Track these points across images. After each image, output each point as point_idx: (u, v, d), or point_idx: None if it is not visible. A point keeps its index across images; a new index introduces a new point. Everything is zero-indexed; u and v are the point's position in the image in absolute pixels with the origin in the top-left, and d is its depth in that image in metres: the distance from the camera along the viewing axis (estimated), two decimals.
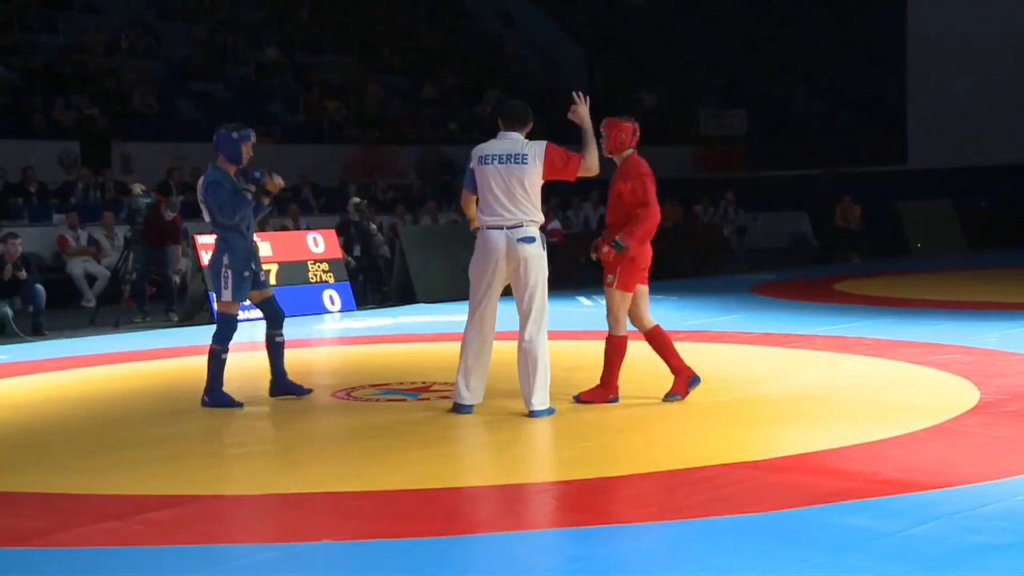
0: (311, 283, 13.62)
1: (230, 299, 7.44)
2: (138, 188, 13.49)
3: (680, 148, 27.82)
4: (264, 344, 7.75)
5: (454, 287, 13.22)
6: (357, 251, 15.18)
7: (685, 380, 7.38)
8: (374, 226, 15.66)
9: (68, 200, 17.16)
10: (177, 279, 13.70)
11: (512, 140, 6.95)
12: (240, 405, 7.49)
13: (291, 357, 7.96)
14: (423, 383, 8.23)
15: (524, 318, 6.86)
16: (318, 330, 12.32)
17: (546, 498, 5.36)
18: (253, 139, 7.56)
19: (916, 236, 21.39)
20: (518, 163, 6.84)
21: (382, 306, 14.33)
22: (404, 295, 14.50)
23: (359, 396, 7.82)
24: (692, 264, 18.50)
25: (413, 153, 23.16)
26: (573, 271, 17.39)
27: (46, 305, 12.11)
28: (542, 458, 6.21)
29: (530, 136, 7.18)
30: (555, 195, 19.67)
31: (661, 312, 12.34)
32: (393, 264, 15.06)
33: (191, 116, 21.32)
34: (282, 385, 7.69)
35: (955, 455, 5.85)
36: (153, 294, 13.78)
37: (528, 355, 6.82)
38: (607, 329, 7.40)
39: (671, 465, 5.75)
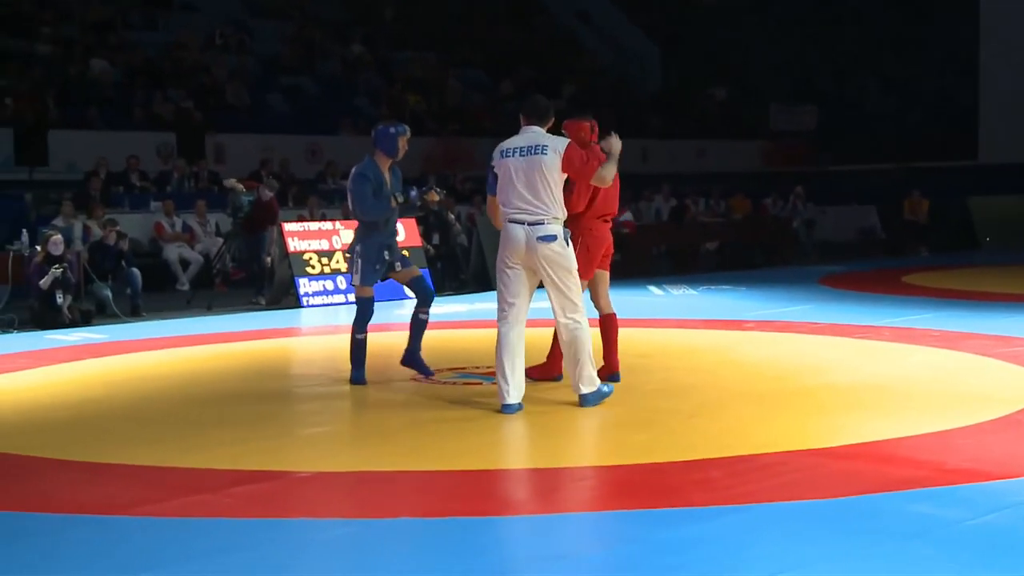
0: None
1: (358, 283, 7.81)
2: (237, 185, 13.87)
3: (750, 143, 28.00)
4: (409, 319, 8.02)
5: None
6: (436, 239, 15.56)
7: (607, 373, 7.47)
8: (452, 215, 16.19)
9: (165, 189, 17.67)
10: (269, 261, 13.97)
11: (534, 133, 6.79)
12: (364, 383, 7.77)
13: (374, 341, 7.95)
14: (463, 367, 8.38)
15: (560, 309, 6.74)
16: (398, 315, 12.58)
17: (613, 481, 5.38)
18: (408, 134, 7.84)
19: (985, 230, 21.43)
20: (539, 154, 6.63)
21: (459, 293, 14.68)
22: (480, 282, 14.84)
23: (437, 379, 7.93)
24: (761, 256, 18.87)
25: (490, 145, 23.70)
26: (645, 261, 17.88)
27: (143, 288, 12.62)
28: (612, 442, 6.12)
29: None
30: (627, 188, 20.15)
31: (731, 302, 12.83)
32: (470, 252, 15.49)
33: (280, 109, 21.87)
34: (412, 360, 7.97)
35: (1023, 446, 5.84)
36: (242, 278, 14.46)
37: (568, 345, 6.73)
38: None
39: (739, 451, 5.71)
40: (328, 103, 22.44)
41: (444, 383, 7.90)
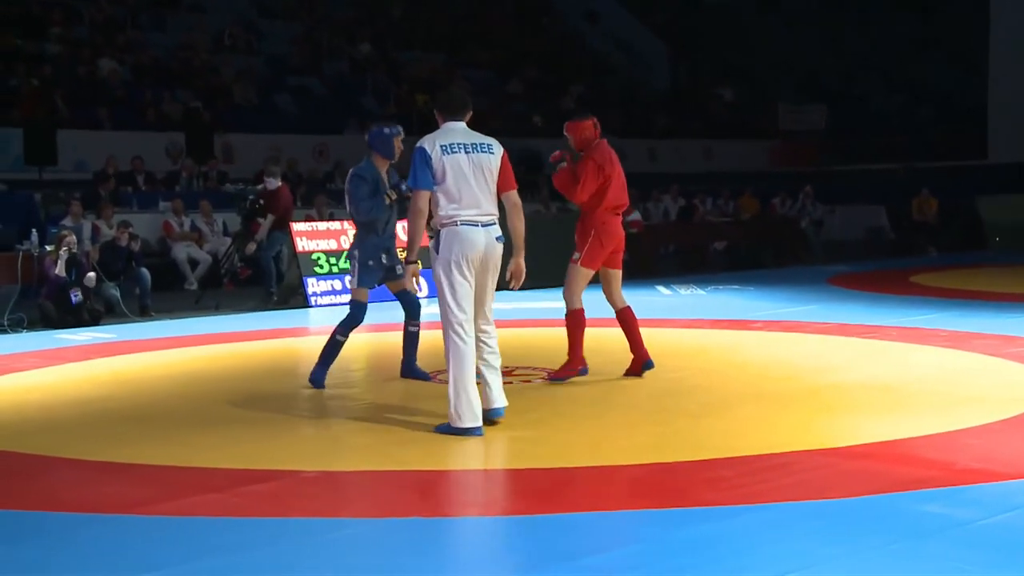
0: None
1: (354, 286, 7.83)
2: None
3: (758, 142, 28.01)
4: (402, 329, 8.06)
5: (536, 274, 13.75)
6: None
7: (639, 364, 7.79)
8: None
9: (173, 188, 17.77)
10: (272, 259, 13.82)
11: (466, 129, 6.36)
12: (322, 387, 7.71)
13: (381, 340, 8.11)
14: (506, 367, 8.22)
15: (484, 317, 6.39)
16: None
17: (622, 480, 5.36)
18: (402, 134, 7.79)
19: (994, 230, 21.39)
20: (487, 153, 6.28)
21: None
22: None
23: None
24: (770, 256, 18.86)
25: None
26: (653, 261, 17.87)
27: (151, 287, 12.67)
28: (621, 442, 6.10)
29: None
30: (635, 187, 20.16)
31: (739, 302, 12.82)
32: None
33: (288, 109, 21.96)
34: (410, 371, 8.06)
35: None
36: (248, 277, 14.46)
37: (491, 359, 6.43)
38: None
39: (748, 451, 5.71)
40: (336, 103, 22.49)
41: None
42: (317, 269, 13.58)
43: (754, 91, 30.78)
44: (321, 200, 16.65)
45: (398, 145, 7.76)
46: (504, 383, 7.47)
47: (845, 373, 8.09)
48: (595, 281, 7.89)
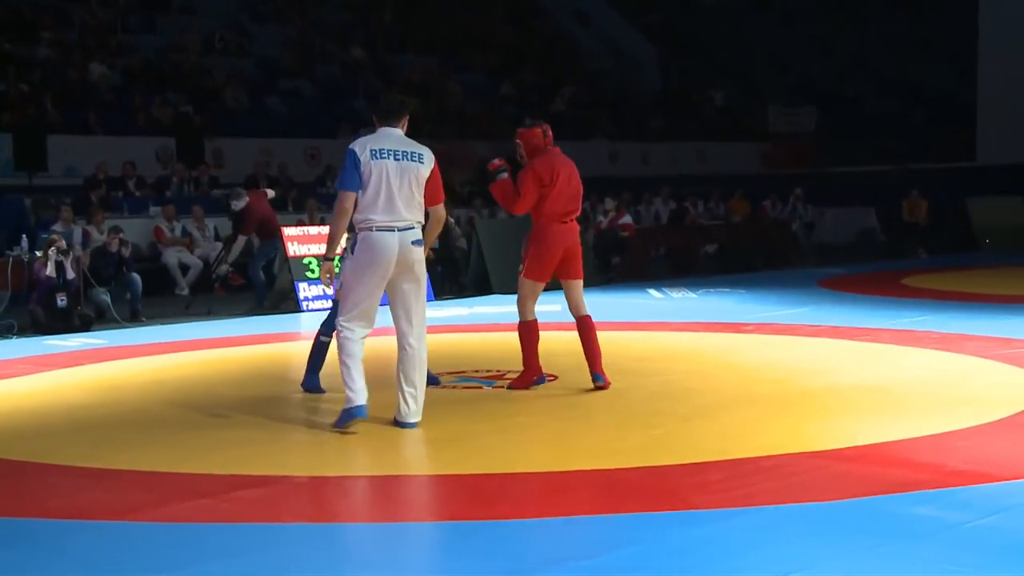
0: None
1: (338, 287, 7.91)
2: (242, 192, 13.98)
3: (749, 145, 28.06)
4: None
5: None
6: (436, 243, 15.67)
7: (592, 375, 7.55)
8: (452, 219, 16.20)
9: (164, 193, 17.72)
10: (261, 274, 13.90)
11: (399, 136, 6.45)
12: (321, 391, 7.71)
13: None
14: (497, 371, 8.40)
15: (412, 324, 6.48)
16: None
17: (614, 484, 5.35)
18: None
19: (984, 232, 21.46)
20: (415, 161, 6.35)
21: (459, 296, 14.68)
22: (480, 286, 14.86)
23: (448, 382, 7.98)
24: (761, 258, 18.88)
25: (490, 149, 23.76)
26: (644, 265, 17.89)
27: (142, 293, 12.63)
28: (611, 445, 6.10)
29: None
30: (627, 190, 20.19)
31: (730, 305, 12.84)
32: (470, 256, 15.50)
33: (280, 113, 21.95)
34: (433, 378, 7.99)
35: (1023, 448, 5.84)
36: (242, 285, 14.44)
37: (416, 361, 6.49)
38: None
39: (739, 453, 5.72)
40: (327, 106, 22.47)
41: (444, 387, 7.93)
42: (309, 274, 13.57)
43: (745, 93, 30.84)
44: (312, 204, 16.62)
45: None
46: (496, 387, 7.52)
47: (837, 375, 8.10)
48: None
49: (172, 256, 15.45)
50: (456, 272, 15.68)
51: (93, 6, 22.44)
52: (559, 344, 8.76)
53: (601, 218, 18.01)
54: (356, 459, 6.09)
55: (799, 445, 5.91)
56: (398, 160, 6.31)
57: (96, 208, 15.18)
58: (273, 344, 10.77)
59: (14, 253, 11.89)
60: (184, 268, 15.40)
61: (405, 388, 6.50)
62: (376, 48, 25.58)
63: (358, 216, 6.35)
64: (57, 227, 13.72)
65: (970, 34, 27.98)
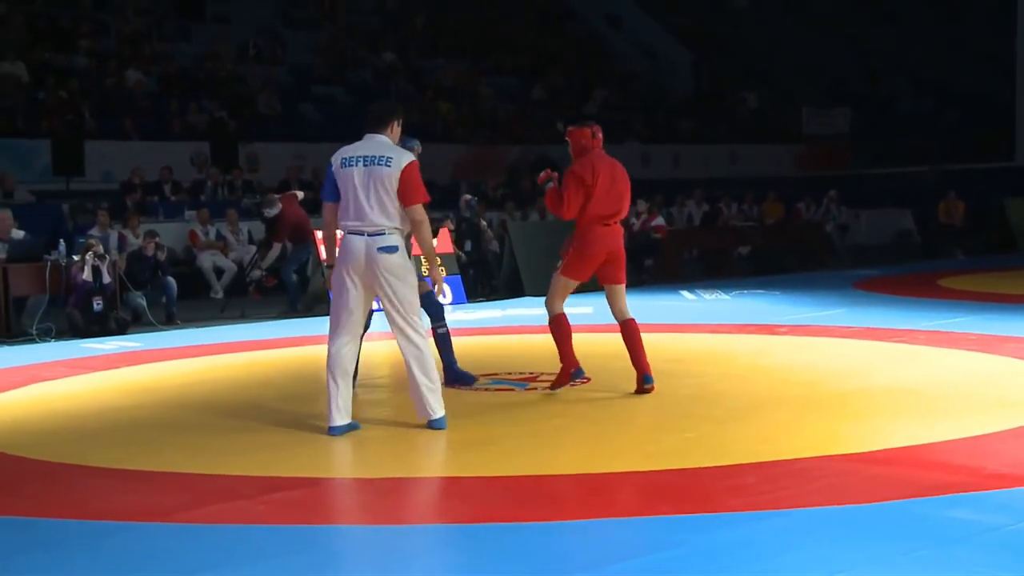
0: (425, 277, 14.21)
1: None
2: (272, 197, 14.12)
3: (783, 147, 27.92)
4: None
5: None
6: (468, 246, 15.52)
7: (640, 379, 7.47)
8: (484, 222, 16.23)
9: (199, 197, 17.87)
10: (295, 277, 13.94)
11: (377, 142, 6.51)
12: (472, 379, 7.92)
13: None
14: (530, 373, 8.42)
15: (407, 322, 6.47)
16: (430, 322, 12.88)
17: (648, 486, 5.33)
18: (418, 148, 7.75)
19: (1022, 232, 21.24)
20: (381, 165, 6.38)
21: (491, 299, 14.68)
22: (512, 288, 14.87)
23: (475, 386, 7.97)
24: (795, 260, 18.78)
25: (522, 153, 23.78)
26: (677, 266, 17.83)
27: (177, 296, 12.76)
28: (644, 448, 6.10)
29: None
30: (659, 192, 20.14)
31: (764, 307, 12.77)
32: (502, 259, 15.50)
33: (312, 118, 22.06)
34: (454, 375, 7.97)
35: None
36: (275, 285, 14.52)
37: (418, 363, 6.49)
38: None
39: (773, 456, 5.69)
40: (360, 111, 22.44)
41: (477, 389, 7.95)
42: None
43: (778, 95, 30.69)
44: None
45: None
46: (529, 389, 7.53)
47: (871, 377, 8.04)
48: (576, 289, 7.75)
49: (207, 260, 15.55)
50: (489, 275, 15.69)
51: (129, 16, 22.68)
52: (592, 346, 8.74)
53: (634, 220, 17.97)
54: (390, 461, 6.09)
55: (833, 448, 5.87)
56: (366, 166, 6.40)
57: (131, 212, 15.32)
58: (307, 347, 10.75)
59: (52, 257, 12.01)
60: (219, 271, 15.50)
61: (423, 385, 6.51)
62: (408, 53, 25.68)
63: (339, 221, 6.52)
64: (94, 232, 13.86)
65: (1006, 32, 27.67)
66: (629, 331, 7.56)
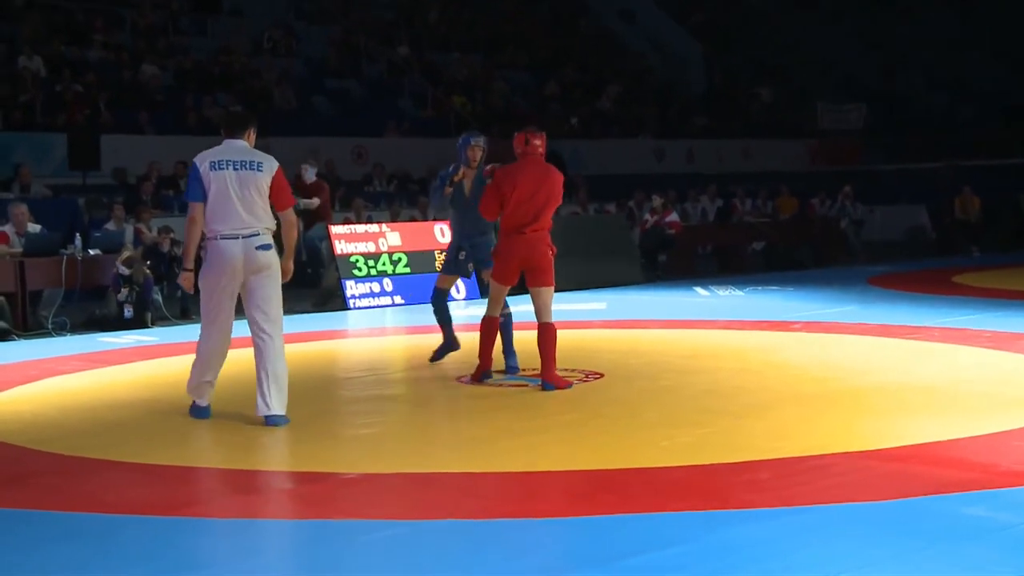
0: (438, 272, 14.27)
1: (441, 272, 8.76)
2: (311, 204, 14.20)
3: (797, 142, 27.86)
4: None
5: (573, 277, 13.76)
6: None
7: (541, 384, 7.61)
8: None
9: None
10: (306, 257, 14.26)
11: (242, 147, 6.73)
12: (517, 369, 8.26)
13: (420, 342, 8.10)
14: (536, 369, 8.31)
15: (268, 316, 6.69)
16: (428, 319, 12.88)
17: (662, 482, 5.34)
18: (474, 142, 8.40)
19: None
20: (253, 170, 6.62)
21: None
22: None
23: (490, 381, 7.99)
24: (809, 256, 18.74)
25: None
26: (690, 262, 17.81)
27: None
28: (659, 443, 6.09)
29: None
30: (673, 187, 20.12)
31: (777, 303, 12.75)
32: None
33: (326, 112, 22.10)
34: (508, 366, 8.37)
35: None
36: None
37: (272, 360, 6.67)
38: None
39: (787, 452, 5.69)
40: (374, 105, 22.59)
41: (490, 384, 7.95)
42: (356, 272, 13.66)
43: (792, 90, 30.61)
44: (359, 203, 16.73)
45: (470, 153, 8.33)
46: (511, 385, 7.65)
47: (886, 374, 8.04)
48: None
49: None
50: None
51: (145, 9, 22.74)
52: (603, 342, 8.77)
53: (648, 216, 17.97)
54: (400, 457, 6.10)
55: (848, 444, 5.86)
56: (237, 170, 6.60)
57: (143, 207, 15.35)
58: (321, 342, 10.83)
59: (68, 252, 12.07)
60: None
61: (265, 380, 6.68)
62: (422, 47, 25.69)
63: (206, 226, 6.67)
64: (110, 225, 13.90)
65: (1020, 29, 27.55)
66: (544, 334, 7.65)
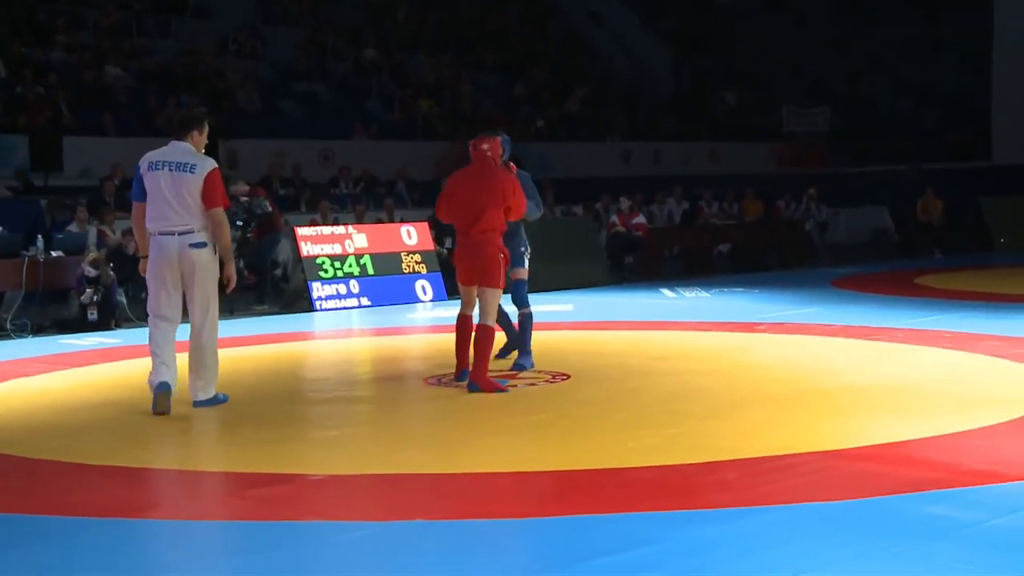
0: (404, 273, 14.16)
1: None
2: (244, 187, 14.09)
3: (763, 145, 28.01)
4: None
5: (542, 278, 13.78)
6: (449, 243, 15.70)
7: (458, 371, 7.84)
8: None
9: None
10: (279, 266, 14.07)
11: (183, 149, 7.10)
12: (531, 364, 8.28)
13: (386, 344, 8.13)
14: (511, 371, 8.40)
15: (195, 318, 7.20)
16: (410, 318, 12.62)
17: (629, 482, 5.34)
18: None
19: (999, 231, 21.35)
20: (186, 171, 7.00)
21: None
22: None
23: (450, 382, 7.96)
24: (774, 258, 18.84)
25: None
26: (657, 264, 17.86)
27: None
28: (626, 444, 6.09)
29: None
30: (639, 190, 20.17)
31: (744, 304, 12.84)
32: None
33: (293, 114, 22.00)
34: (522, 349, 8.44)
35: None
36: (254, 284, 14.44)
37: (198, 350, 7.22)
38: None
39: (754, 452, 5.72)
40: (341, 107, 22.50)
41: (458, 386, 7.88)
42: (322, 273, 13.60)
43: (758, 93, 30.79)
44: (325, 205, 16.66)
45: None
46: (509, 385, 7.66)
47: (850, 375, 8.10)
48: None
49: None
50: None
51: (108, 9, 22.52)
52: (570, 344, 8.77)
53: (614, 218, 18.00)
54: (368, 458, 6.09)
55: (813, 444, 5.90)
56: (172, 171, 7.00)
57: (105, 208, 15.22)
58: (287, 343, 10.78)
59: (29, 254, 11.93)
60: None
61: (194, 369, 7.23)
62: (389, 48, 25.61)
63: (146, 223, 7.10)
64: (72, 227, 13.78)
65: (984, 35, 27.87)
66: (480, 335, 7.67)
